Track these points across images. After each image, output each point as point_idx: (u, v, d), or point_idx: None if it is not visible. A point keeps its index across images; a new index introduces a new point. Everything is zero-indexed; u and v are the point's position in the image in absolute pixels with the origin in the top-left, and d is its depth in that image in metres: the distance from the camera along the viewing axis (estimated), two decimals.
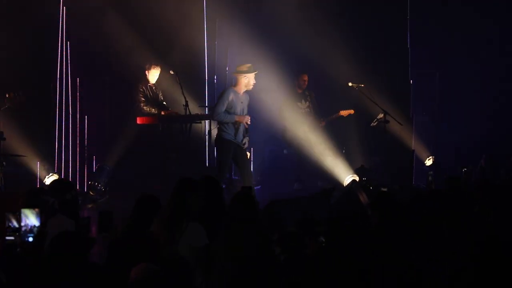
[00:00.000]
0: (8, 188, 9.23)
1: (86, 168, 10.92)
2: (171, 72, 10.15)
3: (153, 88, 10.58)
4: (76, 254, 4.32)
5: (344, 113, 11.48)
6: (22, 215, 4.66)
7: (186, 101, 9.83)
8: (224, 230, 5.32)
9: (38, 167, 10.19)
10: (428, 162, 11.45)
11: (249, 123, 9.23)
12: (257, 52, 10.71)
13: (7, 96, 9.65)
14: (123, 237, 5.08)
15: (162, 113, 10.31)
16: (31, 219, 4.68)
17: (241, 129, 9.16)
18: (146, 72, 10.57)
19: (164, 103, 10.59)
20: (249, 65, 9.23)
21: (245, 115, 9.21)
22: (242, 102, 9.20)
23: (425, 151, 11.65)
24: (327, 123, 11.54)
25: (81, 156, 11.00)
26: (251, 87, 9.22)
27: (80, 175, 10.88)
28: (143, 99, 10.41)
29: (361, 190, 8.46)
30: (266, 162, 11.84)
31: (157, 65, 10.58)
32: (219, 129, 9.21)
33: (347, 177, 10.31)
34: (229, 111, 9.10)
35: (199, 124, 11.01)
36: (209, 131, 10.56)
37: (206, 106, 11.36)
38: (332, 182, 10.22)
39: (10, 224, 4.65)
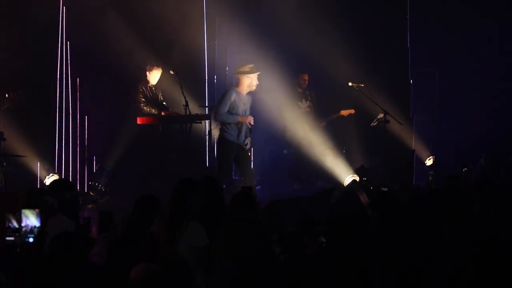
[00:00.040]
0: (8, 188, 9.23)
1: (87, 168, 10.92)
2: (171, 72, 10.15)
3: (153, 88, 10.57)
4: (76, 254, 4.32)
5: (344, 112, 11.47)
6: (23, 216, 4.66)
7: (186, 101, 9.83)
8: (224, 230, 5.32)
9: (38, 167, 10.19)
10: (428, 162, 11.45)
11: (252, 123, 9.23)
12: (257, 51, 10.70)
13: (6, 96, 9.66)
14: (123, 238, 5.08)
15: (162, 113, 10.30)
16: (31, 219, 4.68)
17: (244, 129, 9.17)
18: (147, 73, 10.55)
19: (164, 103, 10.59)
20: (251, 65, 9.20)
21: (248, 115, 9.21)
22: (244, 103, 9.19)
23: (425, 150, 11.65)
24: (328, 123, 11.53)
25: (81, 156, 10.99)
26: (254, 87, 9.20)
27: (81, 175, 10.88)
28: (143, 99, 10.40)
29: (361, 190, 8.46)
30: (266, 162, 11.84)
31: (158, 66, 10.57)
32: (221, 130, 9.20)
33: (347, 177, 10.31)
34: (231, 111, 9.09)
35: (199, 124, 11.00)
36: (209, 131, 10.55)
37: (206, 106, 11.35)
38: (332, 182, 10.22)
39: (10, 224, 4.65)
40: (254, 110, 9.57)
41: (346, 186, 9.83)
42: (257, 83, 9.18)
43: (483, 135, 11.91)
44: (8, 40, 10.27)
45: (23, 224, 4.65)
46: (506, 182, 9.45)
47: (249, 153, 9.52)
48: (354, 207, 7.84)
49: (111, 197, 10.07)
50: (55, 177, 9.87)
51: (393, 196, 5.99)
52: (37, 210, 4.70)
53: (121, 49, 10.99)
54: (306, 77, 11.47)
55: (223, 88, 11.05)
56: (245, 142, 9.20)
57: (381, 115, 10.44)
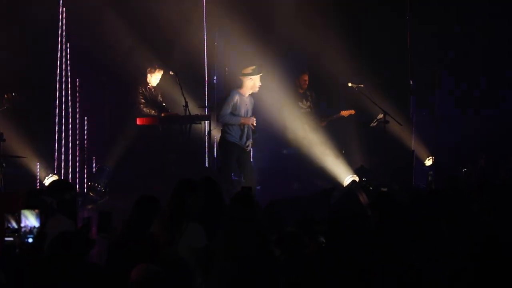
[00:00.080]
0: (8, 189, 9.22)
1: (86, 169, 10.90)
2: (171, 73, 10.15)
3: (152, 90, 10.57)
4: (76, 255, 4.32)
5: (345, 113, 11.47)
6: (22, 216, 4.66)
7: (186, 102, 9.83)
8: (223, 230, 5.32)
9: (37, 168, 10.18)
10: (428, 162, 11.44)
11: (255, 124, 9.25)
12: (257, 52, 10.70)
13: (5, 97, 9.65)
14: (122, 238, 5.07)
15: (162, 114, 10.30)
16: (31, 220, 4.68)
17: (246, 131, 9.18)
18: (149, 74, 10.54)
19: (164, 104, 10.59)
20: (253, 67, 9.21)
21: (250, 117, 9.22)
22: (246, 105, 9.21)
23: (425, 151, 11.63)
24: (328, 123, 11.53)
25: (81, 157, 10.98)
26: (257, 89, 9.22)
27: (80, 176, 10.87)
28: (143, 100, 10.40)
29: (361, 190, 8.45)
30: (266, 162, 11.83)
31: (161, 68, 10.57)
32: (223, 131, 9.21)
33: (347, 177, 10.30)
34: (233, 113, 9.11)
35: (199, 125, 11.00)
36: (209, 132, 10.55)
37: (206, 107, 11.35)
38: (332, 182, 10.21)
39: (9, 225, 4.65)
40: (254, 110, 9.57)
41: (346, 186, 9.82)
42: (260, 84, 9.20)
43: (483, 135, 11.89)
44: (8, 40, 10.27)
45: (22, 225, 4.65)
46: (506, 183, 9.46)
47: (250, 154, 9.54)
48: (353, 207, 7.83)
49: (111, 197, 10.07)
50: (55, 177, 9.86)
51: (393, 196, 5.99)
52: (36, 210, 4.70)
53: (121, 49, 10.99)
54: (307, 78, 11.47)
55: (223, 89, 11.07)
56: (247, 144, 9.21)
57: (380, 116, 10.44)
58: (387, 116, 10.34)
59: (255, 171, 9.65)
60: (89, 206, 9.69)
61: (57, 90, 10.89)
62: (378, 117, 10.52)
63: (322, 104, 11.74)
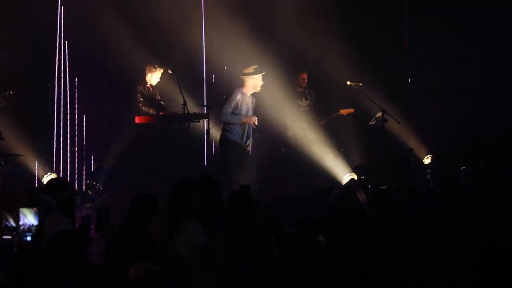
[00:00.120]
0: (6, 187, 9.23)
1: (85, 167, 10.91)
2: (169, 71, 10.16)
3: (151, 88, 10.56)
4: (74, 253, 4.31)
5: (344, 112, 11.46)
6: (20, 215, 4.66)
7: (185, 100, 9.82)
8: (222, 229, 5.31)
9: (36, 166, 10.18)
10: (427, 160, 11.44)
11: (256, 123, 9.26)
12: (256, 51, 10.70)
13: (2, 95, 9.64)
14: (120, 237, 5.07)
15: (161, 113, 10.30)
16: (29, 218, 4.68)
17: (247, 129, 9.19)
18: (149, 73, 10.52)
19: (162, 103, 10.58)
20: (255, 66, 9.23)
21: (251, 116, 9.23)
22: (247, 104, 9.22)
23: (423, 149, 11.64)
24: (327, 122, 11.53)
25: (80, 155, 10.99)
26: (259, 88, 9.25)
27: (79, 174, 10.88)
28: (141, 99, 10.40)
29: (359, 189, 8.46)
30: (266, 162, 11.82)
31: (160, 67, 10.57)
32: (224, 129, 9.22)
33: (345, 175, 10.30)
34: (235, 112, 9.11)
35: (198, 123, 11.00)
36: (208, 130, 10.55)
37: (205, 105, 11.35)
38: (331, 180, 10.21)
39: (7, 223, 4.65)
40: (254, 110, 9.57)
41: (345, 184, 9.82)
42: (262, 83, 9.22)
43: (482, 136, 11.88)
44: (8, 40, 10.28)
45: (21, 223, 4.65)
46: (505, 184, 9.43)
47: (250, 153, 9.54)
48: (352, 206, 7.84)
49: (109, 196, 10.08)
50: (53, 176, 9.86)
51: (391, 194, 5.98)
52: (35, 208, 4.70)
53: (120, 49, 10.98)
54: (305, 76, 11.47)
55: (221, 88, 11.06)
56: (247, 143, 9.22)
57: (379, 114, 10.42)
58: (386, 114, 10.33)
59: (255, 171, 9.64)
60: (88, 205, 9.70)
61: (56, 89, 10.89)
62: (377, 116, 10.51)
63: (321, 102, 11.73)
